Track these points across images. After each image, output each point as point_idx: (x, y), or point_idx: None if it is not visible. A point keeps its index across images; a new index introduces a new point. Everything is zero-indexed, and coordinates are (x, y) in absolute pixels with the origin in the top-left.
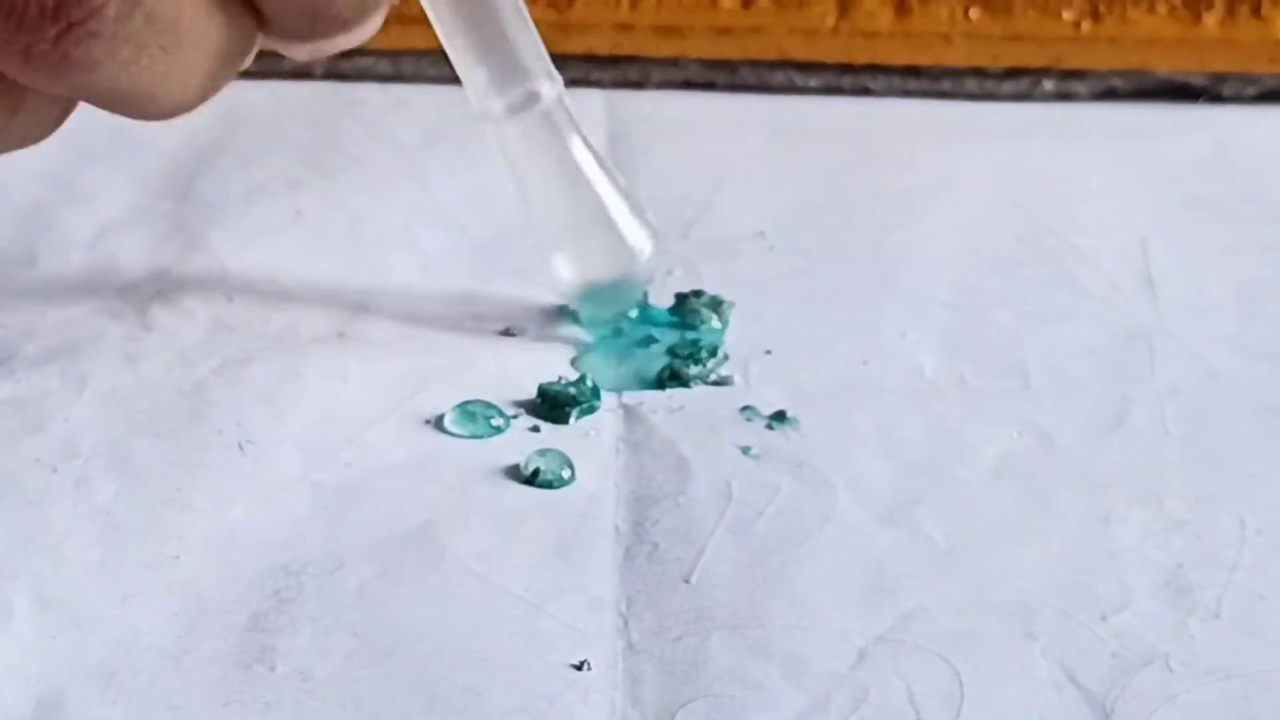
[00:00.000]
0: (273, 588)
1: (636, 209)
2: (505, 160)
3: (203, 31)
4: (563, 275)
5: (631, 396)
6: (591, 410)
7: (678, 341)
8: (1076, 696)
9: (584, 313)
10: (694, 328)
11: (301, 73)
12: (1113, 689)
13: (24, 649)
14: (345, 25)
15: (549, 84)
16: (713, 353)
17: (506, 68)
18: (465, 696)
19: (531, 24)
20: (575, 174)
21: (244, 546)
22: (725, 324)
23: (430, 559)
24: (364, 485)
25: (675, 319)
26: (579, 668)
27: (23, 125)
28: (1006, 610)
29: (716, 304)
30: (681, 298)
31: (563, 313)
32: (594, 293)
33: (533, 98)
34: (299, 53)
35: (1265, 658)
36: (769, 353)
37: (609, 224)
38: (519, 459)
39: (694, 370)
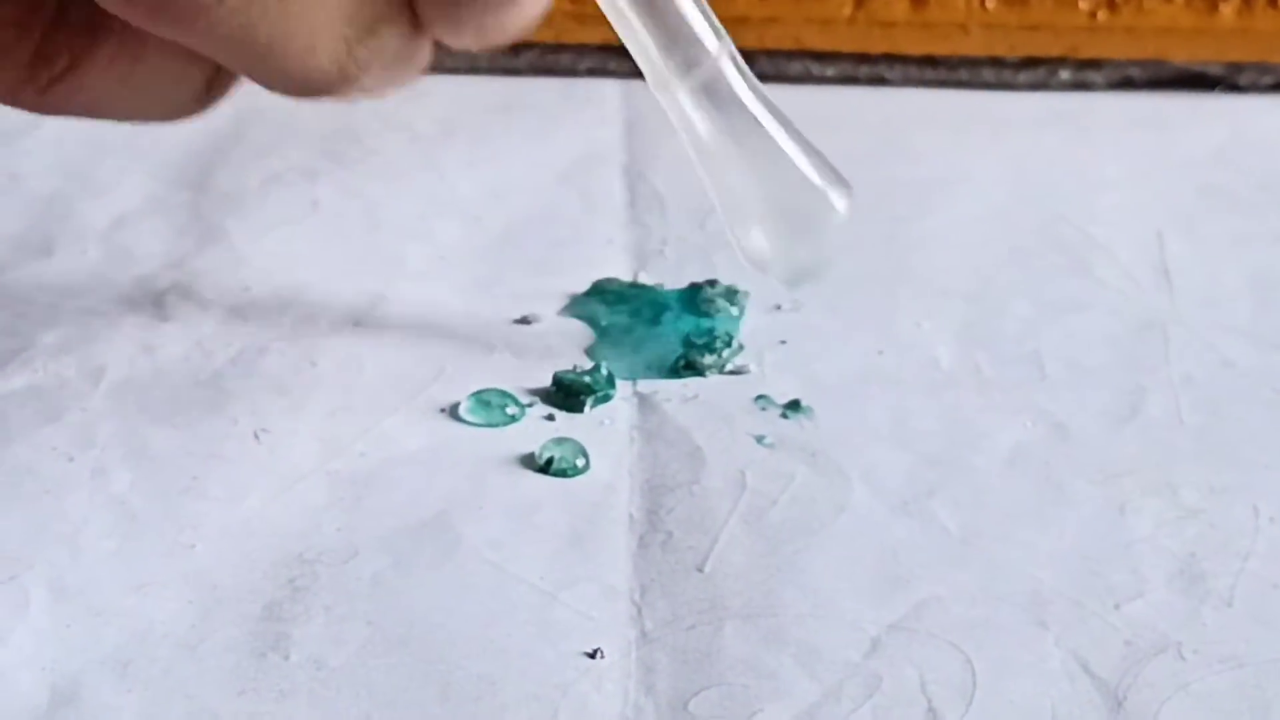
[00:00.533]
0: (287, 576)
1: (823, 163)
2: (684, 132)
3: None
4: (759, 245)
5: (646, 385)
6: (606, 399)
7: (693, 330)
8: (1089, 685)
9: (780, 280)
10: (709, 317)
11: None
12: (1125, 678)
13: (40, 638)
14: None
15: (720, 44)
16: (728, 342)
17: (677, 35)
18: (479, 685)
19: None
20: (759, 134)
21: (259, 535)
22: (740, 313)
23: (445, 548)
24: (379, 474)
25: (686, 301)
26: (592, 656)
27: (154, 83)
28: (1020, 599)
29: (732, 293)
30: (696, 287)
31: (577, 301)
32: (790, 258)
33: (703, 59)
34: (462, 33)
35: (1278, 646)
36: (784, 342)
37: (802, 184)
38: (534, 447)
39: (709, 359)
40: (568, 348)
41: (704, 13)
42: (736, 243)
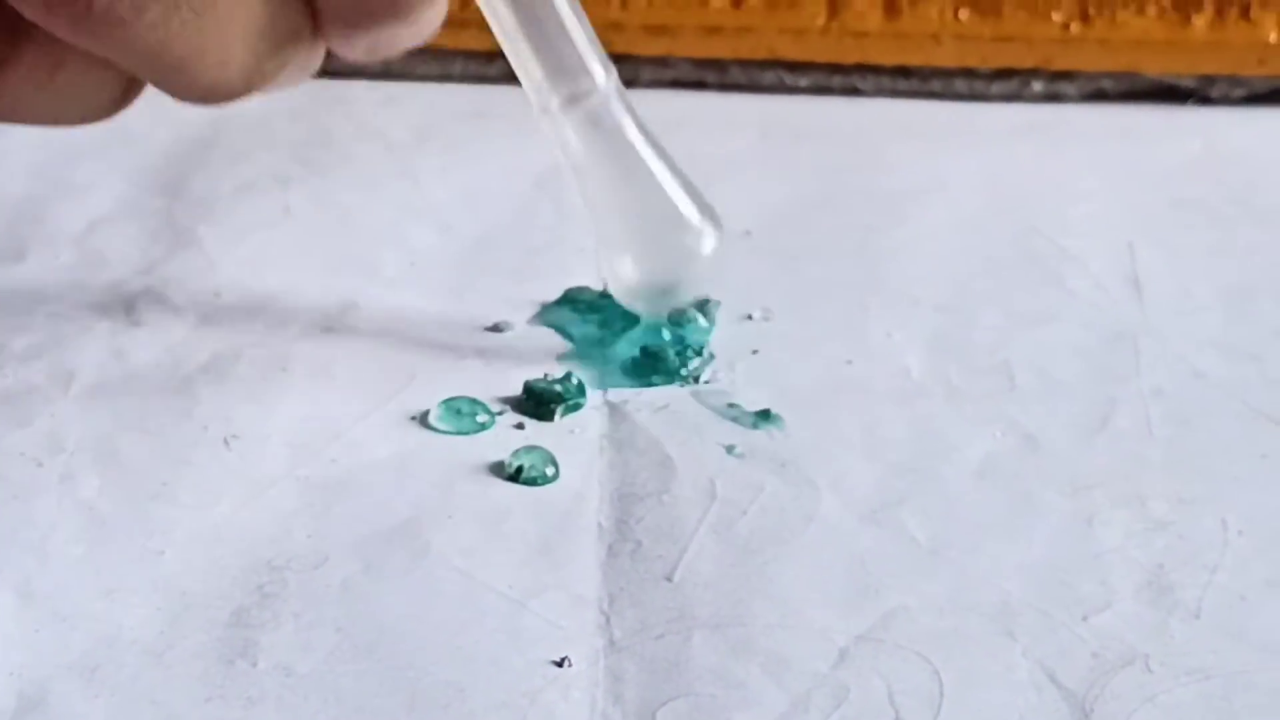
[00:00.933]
0: (256, 583)
1: (699, 200)
2: (566, 157)
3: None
4: (627, 274)
5: (616, 394)
6: (577, 407)
7: (664, 340)
8: (1056, 696)
9: (644, 310)
10: (680, 326)
11: None
12: (1093, 689)
13: (6, 643)
14: (394, 7)
15: (605, 74)
16: (699, 351)
17: (563, 62)
18: (447, 692)
19: (583, 13)
20: (637, 166)
21: (228, 542)
22: (712, 323)
23: (414, 555)
24: (349, 481)
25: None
26: (560, 665)
27: (72, 90)
28: (988, 610)
29: (703, 303)
30: None
31: (549, 309)
32: (656, 289)
33: (590, 90)
34: (355, 48)
35: (1245, 658)
36: (755, 352)
37: (674, 218)
38: (503, 456)
39: (680, 369)
40: (539, 356)
41: (593, 44)
42: (605, 267)
